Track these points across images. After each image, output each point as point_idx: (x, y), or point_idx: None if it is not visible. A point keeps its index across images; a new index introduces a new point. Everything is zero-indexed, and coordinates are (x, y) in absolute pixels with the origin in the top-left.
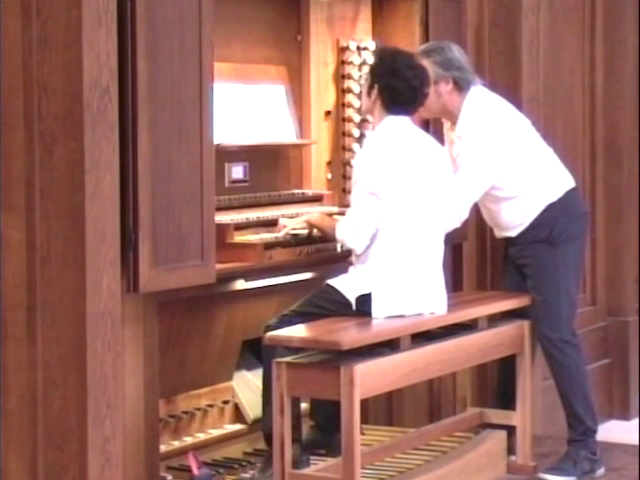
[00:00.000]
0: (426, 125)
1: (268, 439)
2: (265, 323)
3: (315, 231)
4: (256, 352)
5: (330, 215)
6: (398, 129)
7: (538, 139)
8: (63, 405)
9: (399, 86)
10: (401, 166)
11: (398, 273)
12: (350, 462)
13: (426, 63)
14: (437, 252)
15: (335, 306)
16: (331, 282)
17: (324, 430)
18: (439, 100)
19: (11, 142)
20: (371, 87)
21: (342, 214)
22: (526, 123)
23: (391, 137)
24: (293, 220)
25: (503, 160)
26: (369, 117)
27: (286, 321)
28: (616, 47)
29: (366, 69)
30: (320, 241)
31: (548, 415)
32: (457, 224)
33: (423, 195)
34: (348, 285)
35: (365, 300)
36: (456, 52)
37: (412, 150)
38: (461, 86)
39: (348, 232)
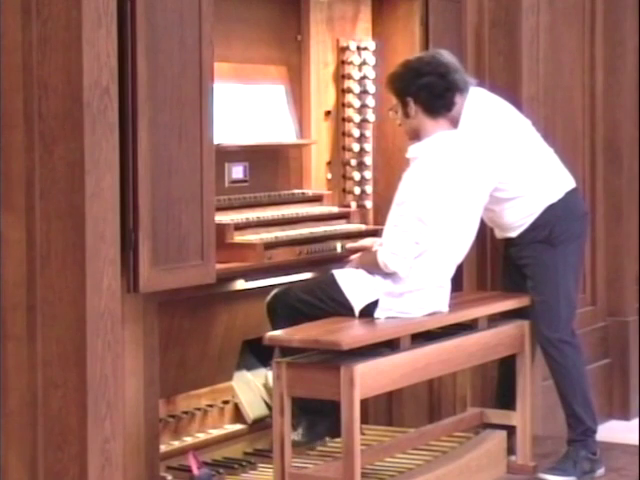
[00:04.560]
0: None
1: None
2: (265, 323)
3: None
4: (256, 352)
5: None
6: (448, 146)
7: (539, 139)
8: (63, 405)
9: (428, 80)
10: (449, 190)
11: (414, 287)
12: (350, 462)
13: None
14: (454, 266)
15: (338, 307)
16: (339, 280)
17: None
18: None
19: (11, 142)
20: (405, 104)
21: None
22: (526, 123)
23: (442, 157)
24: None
25: (505, 161)
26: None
27: (288, 302)
28: (616, 47)
29: (366, 69)
30: (320, 241)
31: (548, 415)
32: None
33: (461, 215)
34: (355, 292)
35: (369, 305)
36: (448, 56)
37: (460, 171)
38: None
39: (388, 255)
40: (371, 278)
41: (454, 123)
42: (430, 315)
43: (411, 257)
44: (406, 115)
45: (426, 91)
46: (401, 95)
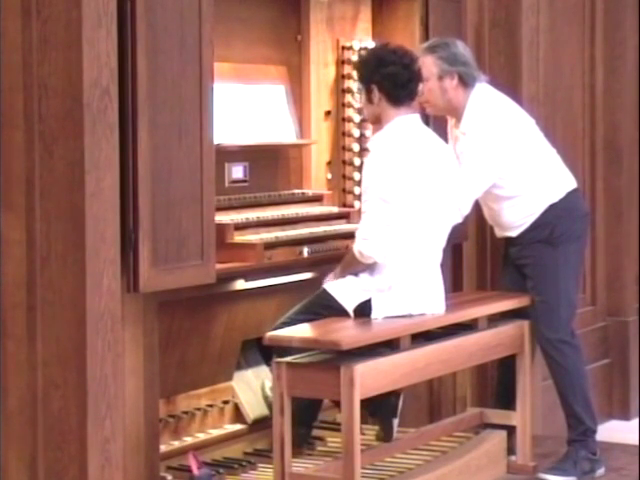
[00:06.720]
0: (426, 123)
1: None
2: (265, 323)
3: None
4: (262, 349)
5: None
6: (406, 129)
7: (541, 139)
8: (63, 405)
9: (392, 70)
10: (410, 169)
11: (400, 276)
12: (350, 462)
13: (431, 59)
14: (438, 252)
15: (335, 313)
16: (329, 289)
17: (300, 424)
18: (444, 96)
19: (11, 142)
20: (369, 91)
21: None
22: (530, 122)
23: (400, 139)
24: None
25: (506, 157)
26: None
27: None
28: (616, 47)
29: None
30: (320, 241)
31: (548, 415)
32: (459, 219)
33: (429, 196)
34: (346, 294)
35: (363, 306)
36: (461, 48)
37: (420, 151)
38: (466, 82)
39: (360, 242)
40: (358, 279)
41: (456, 116)
42: (426, 310)
43: (383, 241)
44: (369, 101)
45: (390, 81)
46: (365, 81)
